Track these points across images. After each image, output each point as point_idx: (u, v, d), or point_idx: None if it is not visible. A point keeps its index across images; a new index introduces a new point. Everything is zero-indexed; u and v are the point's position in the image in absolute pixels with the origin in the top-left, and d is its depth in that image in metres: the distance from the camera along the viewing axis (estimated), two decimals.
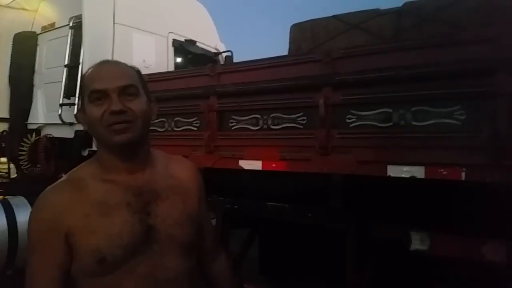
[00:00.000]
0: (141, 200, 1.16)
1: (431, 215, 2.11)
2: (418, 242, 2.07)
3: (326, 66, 2.30)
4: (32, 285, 1.10)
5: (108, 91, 1.10)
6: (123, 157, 1.16)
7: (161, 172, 1.25)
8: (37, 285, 1.10)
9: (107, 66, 1.19)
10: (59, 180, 1.20)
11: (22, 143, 4.53)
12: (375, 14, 3.35)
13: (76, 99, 4.05)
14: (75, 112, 4.01)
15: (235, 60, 5.49)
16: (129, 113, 1.11)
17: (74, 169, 1.23)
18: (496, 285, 2.02)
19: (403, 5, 3.21)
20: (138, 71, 1.23)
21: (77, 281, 1.12)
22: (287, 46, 3.80)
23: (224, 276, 1.47)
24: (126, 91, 1.12)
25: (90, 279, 1.10)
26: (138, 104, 1.13)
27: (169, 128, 3.05)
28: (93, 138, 1.18)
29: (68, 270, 1.11)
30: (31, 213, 1.15)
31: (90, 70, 1.17)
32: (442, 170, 1.87)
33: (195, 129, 2.93)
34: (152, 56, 4.50)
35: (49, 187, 1.17)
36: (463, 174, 1.82)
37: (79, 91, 1.21)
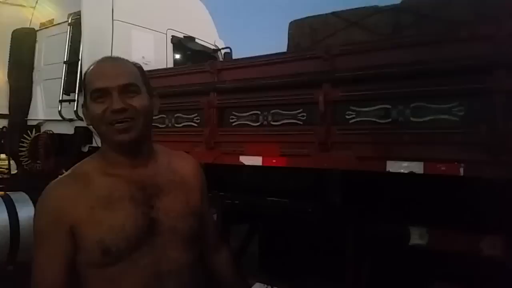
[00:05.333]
0: (144, 193, 1.19)
1: (429, 210, 2.14)
2: (417, 237, 2.10)
3: (326, 63, 2.32)
4: (38, 276, 1.12)
5: (109, 89, 1.12)
6: (126, 153, 1.19)
7: (163, 167, 1.28)
8: (43, 276, 1.12)
9: (108, 64, 1.20)
10: (63, 174, 1.23)
11: (22, 139, 4.54)
12: (374, 11, 3.35)
13: (76, 95, 4.07)
14: (75, 108, 4.03)
15: (233, 57, 5.50)
16: (131, 110, 1.13)
17: (78, 163, 1.25)
18: (493, 279, 2.05)
19: (401, 2, 3.22)
20: (139, 67, 1.24)
21: (81, 272, 1.15)
22: (286, 43, 3.81)
23: (227, 269, 1.49)
24: (127, 89, 1.14)
25: (95, 270, 1.12)
26: (139, 101, 1.15)
27: (170, 124, 3.07)
28: (94, 134, 1.20)
29: (73, 261, 1.13)
30: (36, 206, 1.17)
31: (91, 67, 1.19)
32: (441, 165, 1.89)
33: (196, 125, 2.95)
34: (151, 52, 4.50)
35: (54, 181, 1.20)
36: (461, 170, 1.85)
37: (82, 88, 1.21)
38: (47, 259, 1.12)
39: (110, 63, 1.21)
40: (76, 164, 1.25)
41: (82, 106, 1.23)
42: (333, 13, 3.55)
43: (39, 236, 1.14)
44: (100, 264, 1.11)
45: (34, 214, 1.18)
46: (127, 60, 1.23)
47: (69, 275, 1.13)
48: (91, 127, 1.19)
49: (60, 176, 1.22)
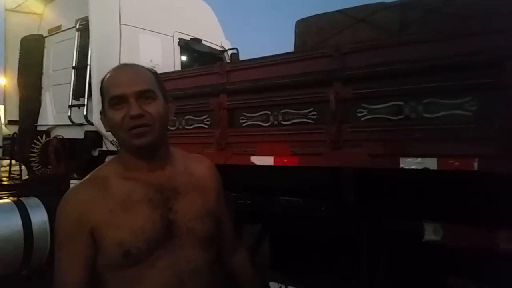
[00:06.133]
0: (162, 196, 1.21)
1: (443, 205, 2.13)
2: (431, 233, 2.09)
3: (336, 61, 2.31)
4: (60, 278, 1.15)
5: (126, 96, 1.14)
6: (143, 157, 1.21)
7: (180, 170, 1.30)
8: (65, 278, 1.14)
9: (124, 71, 1.22)
10: (83, 179, 1.25)
11: (32, 145, 4.59)
12: (381, 7, 3.34)
13: (85, 100, 4.10)
14: (85, 113, 4.06)
15: (240, 57, 5.51)
16: (147, 116, 1.15)
17: (97, 168, 1.28)
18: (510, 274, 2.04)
19: None
20: (155, 73, 1.26)
21: (101, 275, 1.17)
22: (292, 42, 3.80)
23: (245, 270, 1.50)
24: (143, 95, 1.16)
25: (115, 272, 1.14)
26: (155, 107, 1.17)
27: (180, 127, 3.09)
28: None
29: (94, 264, 1.15)
30: (57, 211, 1.19)
31: (108, 75, 1.21)
32: (455, 161, 1.88)
33: (206, 126, 2.96)
34: (158, 55, 4.53)
35: (74, 185, 1.23)
36: (475, 165, 1.83)
37: (100, 94, 1.24)
38: (68, 262, 1.15)
39: (126, 70, 1.23)
40: (95, 169, 1.28)
41: (101, 113, 1.25)
42: (339, 11, 3.54)
43: (60, 238, 1.17)
44: (120, 266, 1.13)
45: (55, 219, 1.20)
46: (142, 67, 1.25)
47: (90, 278, 1.15)
48: (109, 133, 1.21)
49: (78, 181, 1.25)
